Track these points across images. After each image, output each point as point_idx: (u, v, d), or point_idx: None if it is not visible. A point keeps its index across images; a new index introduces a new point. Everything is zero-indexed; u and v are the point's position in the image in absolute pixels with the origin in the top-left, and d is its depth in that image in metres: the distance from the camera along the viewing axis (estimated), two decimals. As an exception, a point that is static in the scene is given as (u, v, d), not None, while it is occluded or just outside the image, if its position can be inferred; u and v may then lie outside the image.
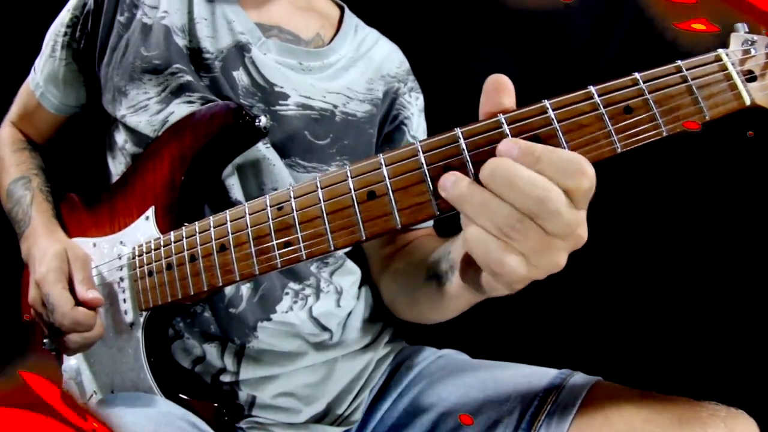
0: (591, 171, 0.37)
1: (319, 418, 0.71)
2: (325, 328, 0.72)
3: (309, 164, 0.72)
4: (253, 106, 0.69)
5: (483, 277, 0.42)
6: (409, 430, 0.69)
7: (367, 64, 0.80)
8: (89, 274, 0.64)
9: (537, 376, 0.67)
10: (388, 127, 0.81)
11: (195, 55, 0.70)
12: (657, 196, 0.98)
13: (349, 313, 0.77)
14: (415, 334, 0.86)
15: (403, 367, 0.77)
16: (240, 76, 0.70)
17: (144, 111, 0.68)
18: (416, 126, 0.83)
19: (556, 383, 0.65)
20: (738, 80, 0.41)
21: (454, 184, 0.39)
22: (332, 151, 0.73)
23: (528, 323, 1.02)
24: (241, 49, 0.70)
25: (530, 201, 0.36)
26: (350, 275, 0.79)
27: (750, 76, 0.41)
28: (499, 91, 0.41)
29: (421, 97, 0.86)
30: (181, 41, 0.70)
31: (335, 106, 0.74)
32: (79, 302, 0.60)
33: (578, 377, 0.65)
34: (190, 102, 0.67)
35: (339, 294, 0.75)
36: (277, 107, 0.70)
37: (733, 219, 0.95)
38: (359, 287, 0.80)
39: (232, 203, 0.68)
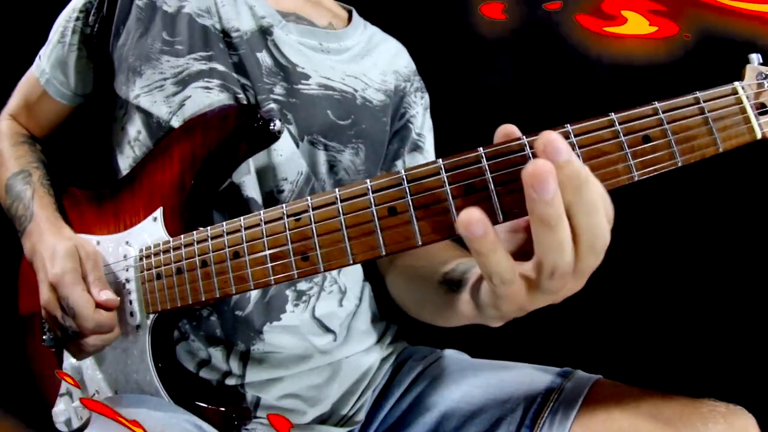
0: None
1: (323, 419, 0.72)
2: (328, 330, 0.73)
3: (329, 143, 0.73)
4: (275, 85, 0.71)
5: (482, 300, 0.43)
6: (411, 430, 0.71)
7: (379, 57, 0.82)
8: (101, 274, 0.64)
9: (538, 375, 0.69)
10: (397, 123, 0.83)
11: (224, 34, 0.70)
12: (654, 194, 1.00)
13: (353, 315, 0.77)
14: (417, 335, 0.87)
15: (406, 368, 0.78)
16: (263, 57, 0.71)
17: (159, 90, 0.68)
18: (421, 124, 0.85)
19: (558, 381, 0.66)
20: (751, 113, 0.42)
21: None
22: (351, 133, 0.74)
23: (527, 323, 1.04)
24: (263, 33, 0.72)
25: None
26: (355, 272, 0.80)
27: (762, 110, 0.43)
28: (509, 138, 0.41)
29: (426, 96, 0.88)
30: (208, 21, 0.70)
31: (355, 90, 0.76)
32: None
33: (579, 376, 0.67)
34: (207, 88, 0.68)
35: (342, 294, 0.76)
36: (300, 86, 0.72)
37: (731, 216, 0.96)
38: (361, 286, 0.81)
39: (244, 200, 0.68)
